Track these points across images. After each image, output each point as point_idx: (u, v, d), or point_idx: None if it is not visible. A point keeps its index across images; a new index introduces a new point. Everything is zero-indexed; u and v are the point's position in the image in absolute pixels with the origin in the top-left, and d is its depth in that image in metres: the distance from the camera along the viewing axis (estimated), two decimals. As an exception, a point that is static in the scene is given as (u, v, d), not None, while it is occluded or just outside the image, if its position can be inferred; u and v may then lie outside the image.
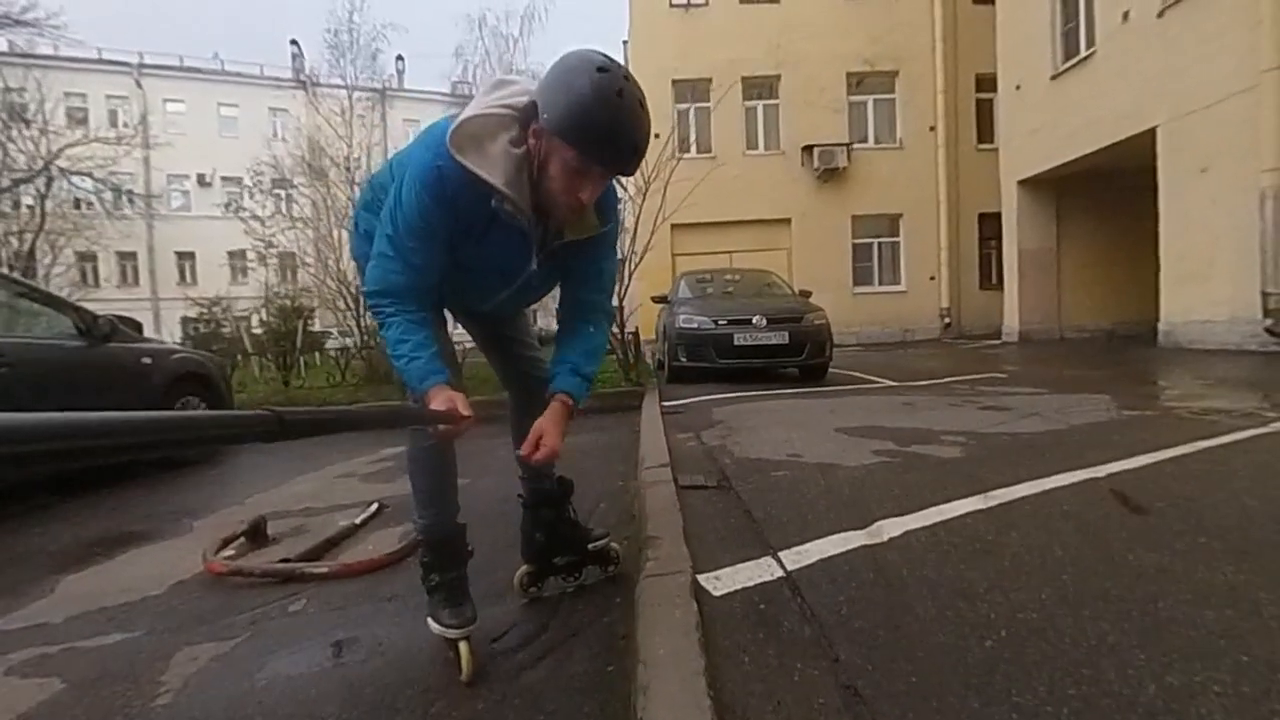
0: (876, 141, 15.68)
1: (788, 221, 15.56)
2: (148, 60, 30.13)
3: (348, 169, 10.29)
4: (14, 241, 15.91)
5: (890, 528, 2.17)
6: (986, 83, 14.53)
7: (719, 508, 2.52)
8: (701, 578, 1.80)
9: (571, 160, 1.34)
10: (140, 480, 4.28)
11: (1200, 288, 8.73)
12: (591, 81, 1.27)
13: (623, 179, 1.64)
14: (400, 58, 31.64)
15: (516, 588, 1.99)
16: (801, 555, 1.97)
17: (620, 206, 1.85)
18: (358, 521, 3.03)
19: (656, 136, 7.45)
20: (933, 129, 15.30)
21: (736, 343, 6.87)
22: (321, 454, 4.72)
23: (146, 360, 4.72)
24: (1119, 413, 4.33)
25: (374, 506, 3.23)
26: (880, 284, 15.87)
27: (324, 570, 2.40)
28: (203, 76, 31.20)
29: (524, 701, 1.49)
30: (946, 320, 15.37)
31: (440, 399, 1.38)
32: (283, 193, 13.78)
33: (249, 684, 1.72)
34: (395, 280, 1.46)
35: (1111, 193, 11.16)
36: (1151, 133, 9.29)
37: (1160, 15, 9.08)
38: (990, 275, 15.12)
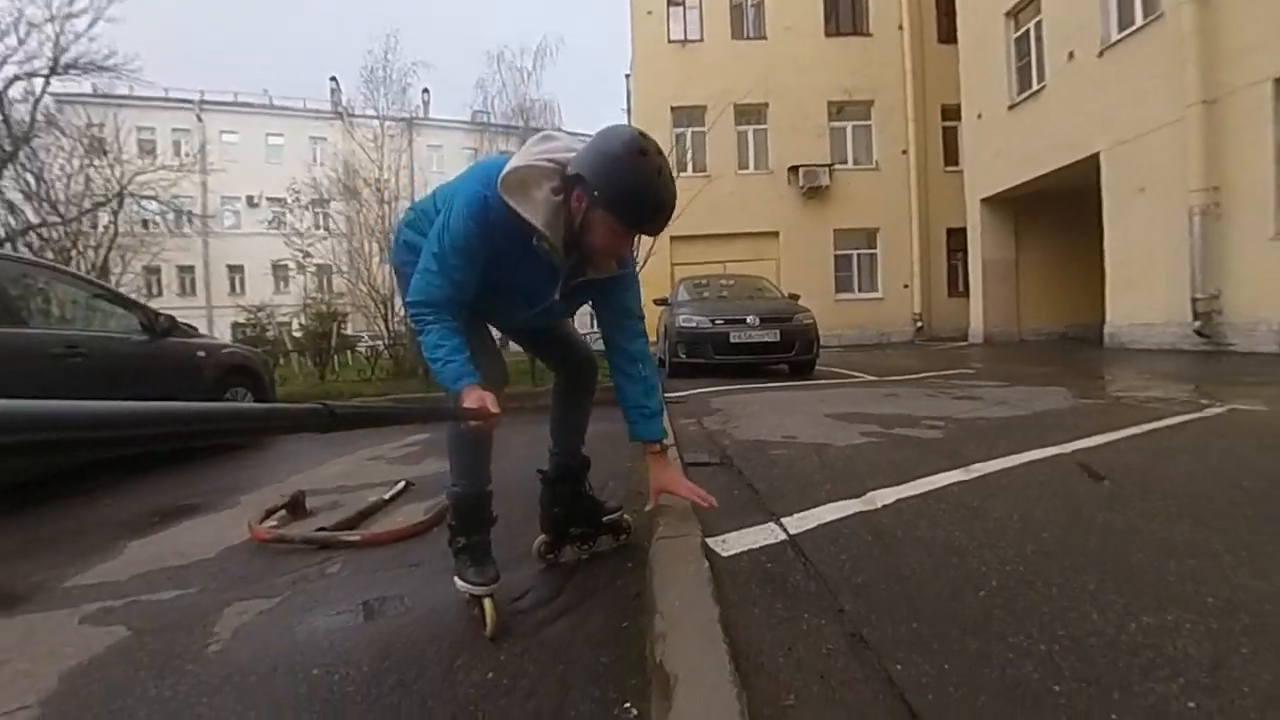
0: (855, 163, 15.61)
1: (776, 234, 15.48)
2: (207, 97, 30.29)
3: (378, 189, 10.40)
4: (92, 254, 16.08)
5: (883, 496, 2.12)
6: (951, 112, 14.56)
7: (723, 482, 2.44)
8: (710, 541, 1.74)
9: (617, 227, 1.44)
10: (193, 461, 4.23)
11: (1140, 294, 8.81)
12: (637, 167, 1.37)
13: None
14: (426, 90, 31.55)
15: (535, 555, 1.95)
16: (803, 520, 1.91)
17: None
18: (387, 497, 2.98)
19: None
20: (905, 153, 15.26)
21: (732, 340, 6.80)
22: (353, 439, 4.66)
23: (201, 354, 4.72)
24: (1076, 401, 4.31)
25: (401, 484, 3.17)
26: (859, 291, 15.78)
27: (356, 538, 2.36)
28: (253, 110, 31.26)
29: (544, 654, 1.44)
30: (919, 324, 15.28)
31: (472, 398, 1.40)
32: (320, 210, 13.83)
33: (290, 636, 1.68)
34: (436, 293, 1.49)
35: (1063, 209, 11.17)
36: (1095, 157, 9.40)
37: (1100, 55, 9.28)
38: (957, 283, 15.05)
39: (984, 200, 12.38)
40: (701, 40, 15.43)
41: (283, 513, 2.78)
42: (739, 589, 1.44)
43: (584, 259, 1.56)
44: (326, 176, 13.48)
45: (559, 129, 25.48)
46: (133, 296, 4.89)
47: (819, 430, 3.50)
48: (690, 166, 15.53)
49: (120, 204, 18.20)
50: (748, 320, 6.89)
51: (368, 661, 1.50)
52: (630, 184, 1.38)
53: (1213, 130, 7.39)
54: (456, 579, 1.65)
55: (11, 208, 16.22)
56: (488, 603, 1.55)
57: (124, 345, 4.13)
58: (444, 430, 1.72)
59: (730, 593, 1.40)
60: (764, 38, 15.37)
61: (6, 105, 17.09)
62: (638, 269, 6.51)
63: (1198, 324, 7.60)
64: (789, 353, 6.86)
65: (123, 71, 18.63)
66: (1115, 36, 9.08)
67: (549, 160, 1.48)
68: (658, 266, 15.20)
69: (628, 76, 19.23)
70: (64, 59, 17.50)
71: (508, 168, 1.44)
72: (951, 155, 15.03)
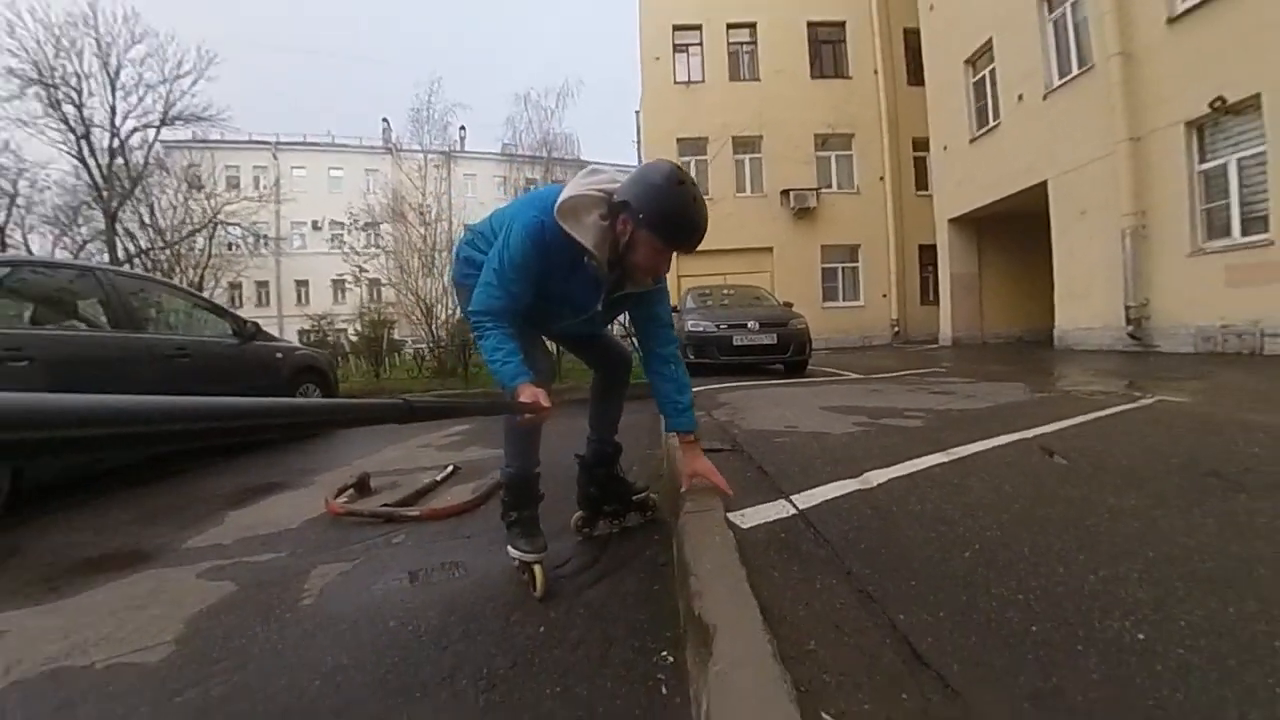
0: (839, 187, 15.43)
1: (770, 249, 15.34)
2: (281, 139, 30.67)
3: (421, 213, 10.61)
4: (190, 273, 16.62)
5: (877, 477, 2.11)
6: (920, 144, 14.44)
7: (736, 465, 2.41)
8: (730, 515, 1.72)
9: (658, 245, 1.46)
10: (272, 447, 4.29)
11: (1082, 303, 8.85)
12: (676, 195, 1.42)
13: None
14: (463, 127, 31.57)
15: (573, 528, 1.95)
16: (809, 498, 1.90)
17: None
18: (439, 479, 2.97)
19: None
20: (882, 179, 15.10)
21: (735, 343, 6.71)
22: (402, 430, 4.60)
23: (279, 355, 4.78)
24: (1033, 395, 4.31)
25: (450, 468, 3.16)
26: (844, 300, 15.56)
27: (416, 514, 2.37)
28: (318, 148, 31.58)
29: (588, 612, 1.45)
30: (896, 329, 15.08)
31: (527, 393, 1.41)
32: (372, 232, 14.03)
33: (368, 594, 1.71)
34: (495, 303, 1.50)
35: (1019, 229, 11.07)
36: (1044, 185, 9.41)
37: (1044, 98, 9.36)
38: (928, 293, 14.83)
39: (951, 221, 12.32)
40: (703, 81, 15.34)
41: (352, 491, 2.80)
42: (759, 555, 1.43)
43: (626, 275, 1.57)
44: (378, 203, 13.63)
45: (578, 158, 25.65)
46: (224, 307, 4.97)
47: (816, 421, 3.46)
48: (694, 191, 15.54)
49: (212, 230, 18.81)
50: (749, 325, 6.80)
51: (435, 616, 1.52)
52: (670, 209, 1.41)
53: (1138, 164, 7.55)
54: (509, 547, 1.66)
55: (130, 234, 17.18)
56: (537, 568, 1.57)
57: (219, 348, 4.21)
58: (483, 422, 1.75)
59: (752, 558, 1.39)
60: (758, 79, 15.26)
61: (127, 152, 18.14)
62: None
63: (1130, 328, 7.72)
64: (785, 353, 6.78)
65: (216, 120, 20.03)
66: (1056, 83, 9.18)
67: (598, 190, 1.51)
68: (668, 277, 15.21)
69: (638, 112, 19.21)
70: (171, 112, 18.79)
71: (562, 197, 1.48)
72: (921, 181, 14.90)
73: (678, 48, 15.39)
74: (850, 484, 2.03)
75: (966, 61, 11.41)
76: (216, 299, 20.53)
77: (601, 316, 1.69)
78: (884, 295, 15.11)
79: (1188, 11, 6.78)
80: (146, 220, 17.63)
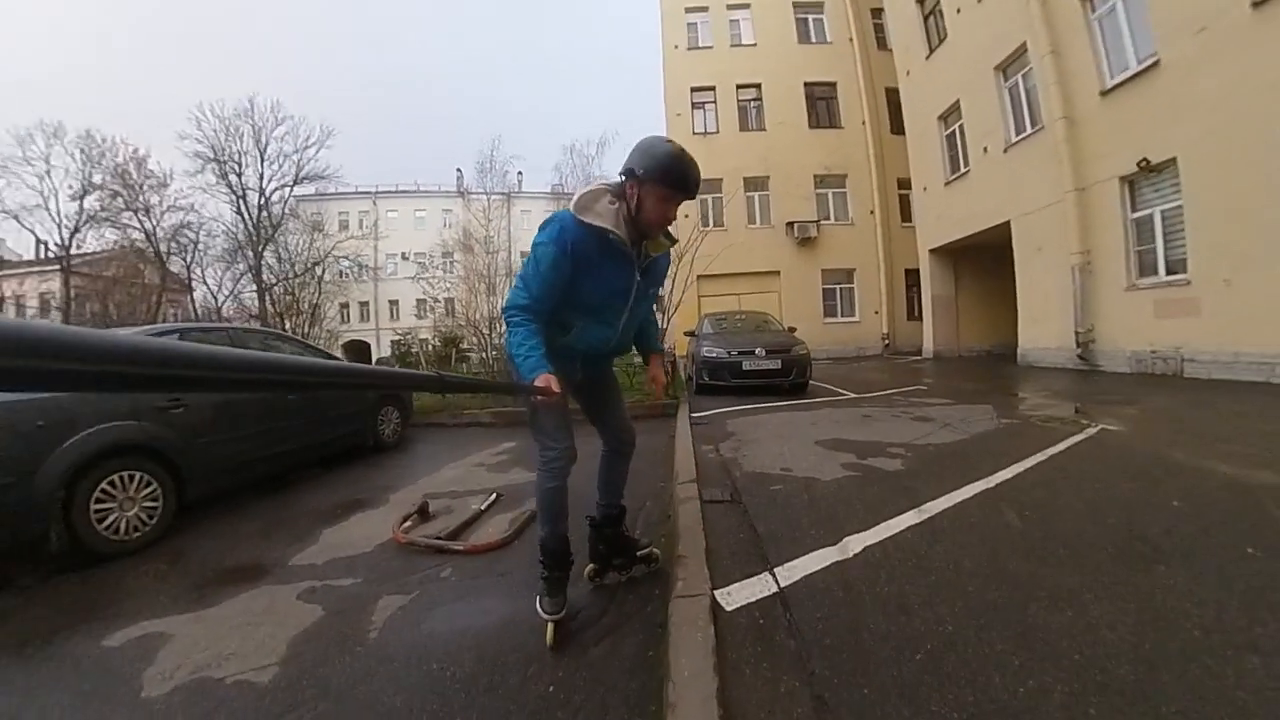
0: (836, 219, 14.95)
1: (777, 273, 15.02)
2: (380, 188, 31.68)
3: (485, 244, 10.92)
4: (311, 297, 17.77)
5: (854, 544, 1.98)
6: (904, 183, 13.90)
7: (732, 522, 2.30)
8: (717, 593, 1.65)
9: (662, 193, 1.42)
10: (359, 462, 4.32)
11: (1040, 326, 8.50)
12: (668, 149, 1.41)
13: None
14: (520, 172, 32.30)
15: (585, 578, 1.91)
16: (790, 572, 1.79)
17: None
18: (482, 508, 2.86)
19: (686, 217, 7.11)
20: (872, 212, 14.59)
21: (744, 368, 6.48)
22: (462, 446, 4.65)
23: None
24: (999, 422, 4.15)
25: (494, 496, 3.03)
26: (841, 316, 15.07)
27: (460, 548, 2.33)
28: (407, 194, 32.41)
29: (590, 674, 1.40)
30: (886, 341, 14.52)
31: (542, 380, 1.35)
32: (447, 260, 15.24)
33: (418, 631, 1.71)
34: (520, 300, 1.46)
35: (990, 258, 10.56)
36: (1007, 224, 9.08)
37: (1005, 151, 9.08)
38: (914, 310, 14.23)
39: (931, 250, 11.88)
40: (718, 132, 15.14)
41: (415, 517, 2.77)
42: (737, 647, 1.36)
43: (642, 235, 1.50)
44: (451, 237, 14.53)
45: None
46: (333, 330, 5.07)
47: (810, 462, 3.26)
48: (712, 223, 15.32)
49: (326, 264, 19.99)
50: (756, 352, 6.57)
51: (469, 662, 1.50)
52: (664, 159, 1.40)
53: (1084, 209, 7.42)
54: (537, 600, 1.63)
55: (270, 267, 18.76)
56: (550, 626, 1.56)
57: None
58: (526, 443, 1.71)
59: (730, 650, 1.33)
60: (764, 129, 14.96)
61: (270, 206, 19.83)
62: (673, 307, 6.29)
63: (1079, 350, 7.52)
64: (788, 376, 6.53)
65: (332, 178, 21.31)
66: (1014, 139, 8.91)
67: (602, 184, 1.52)
68: (688, 300, 15.02)
69: (665, 159, 19.10)
70: (301, 174, 20.34)
71: (575, 198, 1.49)
72: (906, 214, 14.37)
73: (695, 105, 15.22)
74: (830, 553, 1.91)
75: (939, 117, 11.00)
76: (330, 318, 21.73)
77: (642, 292, 1.59)
78: (876, 312, 14.58)
79: (1115, 87, 6.82)
80: (282, 256, 19.14)
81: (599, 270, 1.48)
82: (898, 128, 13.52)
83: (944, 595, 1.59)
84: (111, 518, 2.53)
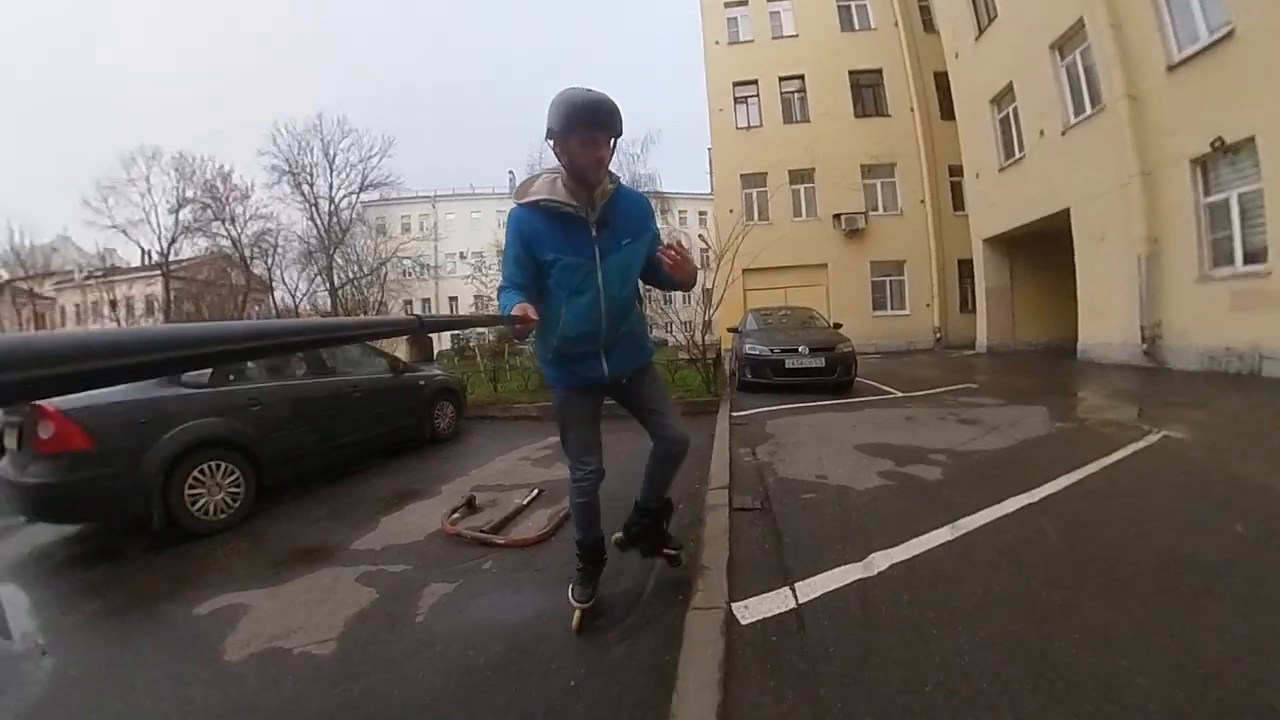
0: (885, 210, 14.13)
1: (825, 266, 14.40)
2: (438, 193, 33.04)
3: None
4: (376, 295, 19.07)
5: (880, 560, 1.87)
6: (955, 170, 12.94)
7: (759, 531, 2.24)
8: (735, 605, 1.62)
9: (578, 138, 1.38)
10: (417, 453, 4.50)
11: (1102, 320, 7.70)
12: (567, 94, 1.36)
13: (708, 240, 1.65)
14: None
15: (613, 543, 1.89)
16: (811, 587, 1.72)
17: (654, 210, 1.73)
18: (524, 503, 2.92)
19: (731, 212, 8.86)
20: (922, 202, 13.66)
21: (787, 366, 6.20)
22: (511, 439, 4.76)
23: (422, 382, 4.93)
24: (1052, 426, 3.84)
25: (535, 491, 3.06)
26: (891, 309, 14.27)
27: (501, 542, 2.41)
28: (463, 197, 33.69)
29: (608, 673, 1.43)
30: (938, 335, 13.59)
31: (518, 308, 1.34)
32: (500, 259, 14.93)
33: (459, 617, 1.80)
34: (502, 282, 1.53)
35: (1047, 247, 9.63)
36: (1066, 210, 8.23)
37: (1063, 134, 8.26)
38: (968, 303, 13.21)
39: (985, 240, 10.97)
40: (761, 126, 14.65)
41: (463, 509, 2.88)
42: (746, 663, 1.33)
43: (590, 185, 1.46)
44: (504, 237, 14.61)
45: (658, 191, 25.67)
46: (382, 348, 5.15)
47: (846, 468, 3.10)
48: (757, 217, 14.95)
49: (390, 264, 21.38)
50: (800, 349, 6.24)
51: (499, 650, 1.57)
52: (568, 105, 1.35)
53: (1151, 194, 6.67)
54: (569, 589, 1.73)
55: (340, 269, 20.29)
56: (578, 611, 1.65)
57: (381, 381, 4.46)
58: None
59: (739, 666, 1.31)
60: (808, 121, 14.32)
61: (338, 213, 21.39)
62: (716, 302, 5.99)
63: (1144, 346, 6.80)
64: (831, 375, 6.23)
65: (394, 184, 22.92)
66: (1073, 120, 8.06)
67: (533, 176, 1.56)
68: (733, 293, 14.73)
69: (709, 149, 18.79)
70: (366, 182, 21.88)
71: (515, 189, 1.56)
72: (958, 202, 13.33)
73: (738, 99, 14.81)
74: (854, 570, 1.81)
75: (991, 101, 10.13)
76: (394, 314, 23.47)
77: (613, 253, 1.52)
78: (927, 305, 13.70)
79: (1184, 61, 6.08)
80: (351, 258, 20.78)
81: (553, 239, 1.48)
82: (948, 113, 12.61)
83: (966, 622, 1.48)
84: (202, 501, 2.85)
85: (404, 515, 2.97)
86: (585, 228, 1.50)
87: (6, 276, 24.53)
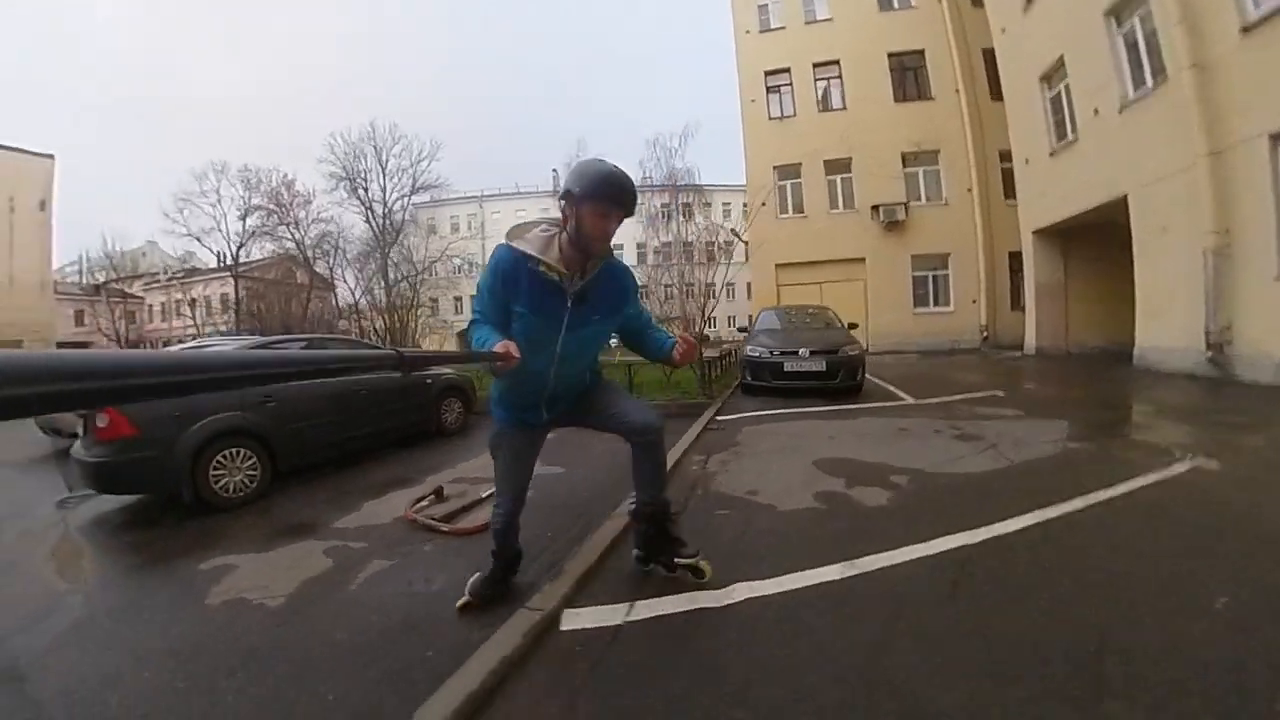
0: (928, 200, 13.41)
1: (863, 260, 13.92)
2: (485, 192, 34.56)
3: None
4: (429, 291, 20.80)
5: (740, 591, 1.79)
6: (1007, 155, 12.00)
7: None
8: (568, 611, 1.69)
9: (598, 208, 1.44)
10: (422, 445, 4.87)
11: (1162, 322, 6.95)
12: (599, 166, 1.45)
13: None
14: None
15: (634, 562, 1.95)
16: (650, 608, 1.72)
17: (639, 290, 1.77)
18: (484, 496, 3.11)
19: (764, 205, 9.86)
20: (969, 190, 12.84)
21: (786, 369, 6.15)
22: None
23: (429, 380, 5.23)
24: (1064, 445, 3.51)
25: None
26: (934, 305, 13.57)
27: (445, 529, 2.68)
28: (508, 196, 34.98)
29: (452, 654, 1.54)
30: (985, 334, 12.79)
31: (500, 345, 1.37)
32: None
33: (379, 591, 2.12)
34: (475, 314, 1.57)
35: (1106, 239, 8.75)
36: (1124, 198, 7.41)
37: (1120, 111, 7.44)
38: (1018, 299, 12.30)
39: (1035, 232, 10.10)
40: (795, 115, 14.31)
41: (431, 497, 3.17)
42: (535, 665, 1.44)
43: (586, 254, 1.50)
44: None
45: (697, 185, 25.57)
46: (447, 323, 5.52)
47: (785, 486, 3.00)
48: (791, 210, 14.66)
49: (441, 262, 22.91)
50: (800, 352, 6.16)
51: (396, 619, 1.85)
52: (596, 175, 1.42)
53: (1220, 178, 5.93)
54: (471, 577, 1.89)
55: (395, 267, 21.89)
56: (464, 598, 1.84)
57: (387, 381, 4.70)
58: (562, 439, 1.84)
59: (529, 665, 1.43)
60: (844, 108, 13.84)
61: (391, 214, 23.25)
62: (749, 297, 6.94)
63: (1210, 353, 6.13)
64: (834, 380, 6.03)
65: (443, 185, 24.44)
66: (1131, 96, 7.27)
67: (540, 219, 1.62)
68: (767, 286, 14.61)
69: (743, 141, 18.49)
70: (417, 185, 23.57)
71: (510, 228, 1.60)
72: (1010, 190, 12.35)
73: (770, 89, 14.54)
74: (705, 597, 1.76)
75: (1041, 78, 9.35)
76: (443, 312, 24.79)
77: (580, 326, 1.56)
78: (973, 301, 12.93)
79: (1262, 21, 5.38)
80: (404, 257, 22.41)
81: (528, 294, 1.50)
82: (998, 93, 11.75)
83: (777, 683, 1.31)
84: (223, 480, 3.41)
85: (384, 501, 3.34)
86: (562, 298, 1.52)
87: (104, 279, 28.66)
